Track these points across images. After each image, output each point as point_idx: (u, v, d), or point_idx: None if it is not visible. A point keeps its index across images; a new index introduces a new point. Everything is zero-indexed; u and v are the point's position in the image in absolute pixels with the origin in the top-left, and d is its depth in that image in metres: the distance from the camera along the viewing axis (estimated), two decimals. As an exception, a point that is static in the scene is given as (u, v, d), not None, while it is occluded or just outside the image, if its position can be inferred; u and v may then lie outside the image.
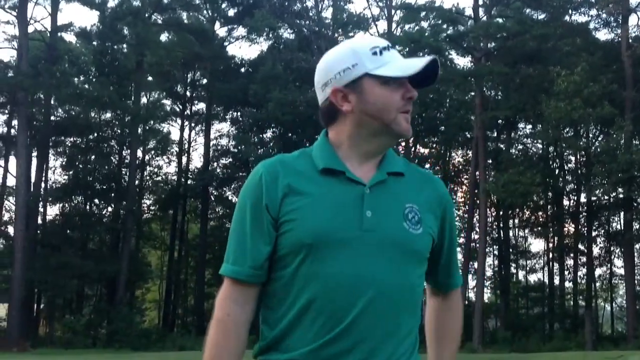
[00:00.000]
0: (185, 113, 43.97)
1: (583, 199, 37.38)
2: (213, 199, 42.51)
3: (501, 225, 43.02)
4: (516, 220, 44.72)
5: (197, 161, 56.37)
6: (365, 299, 1.64)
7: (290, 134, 38.95)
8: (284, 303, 1.69)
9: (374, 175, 1.73)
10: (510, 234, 44.15)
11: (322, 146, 1.76)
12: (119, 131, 39.52)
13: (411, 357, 1.73)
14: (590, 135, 37.48)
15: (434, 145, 44.15)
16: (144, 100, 41.83)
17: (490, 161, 38.50)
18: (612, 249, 41.70)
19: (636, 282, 38.15)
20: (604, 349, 31.54)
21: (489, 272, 44.53)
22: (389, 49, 1.73)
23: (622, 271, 39.84)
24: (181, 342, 32.07)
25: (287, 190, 1.68)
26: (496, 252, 43.53)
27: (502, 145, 40.69)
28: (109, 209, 40.47)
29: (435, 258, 1.83)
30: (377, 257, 1.66)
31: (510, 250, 43.58)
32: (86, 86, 37.33)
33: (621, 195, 34.04)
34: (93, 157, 39.22)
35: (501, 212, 41.98)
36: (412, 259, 1.71)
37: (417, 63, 1.70)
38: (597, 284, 42.60)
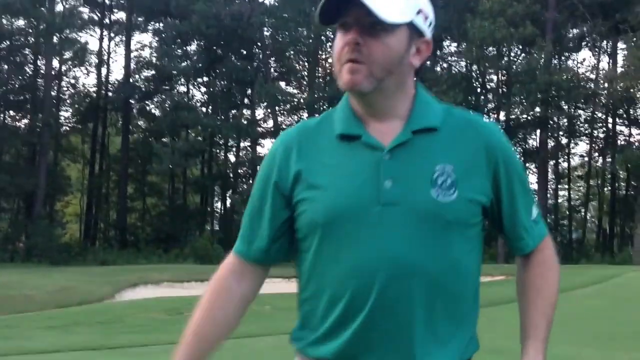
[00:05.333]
0: (104, 22, 42.16)
1: (502, 117, 38.34)
2: (135, 112, 41.56)
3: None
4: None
5: (117, 73, 54.72)
6: (385, 284, 1.44)
7: (215, 48, 38.05)
8: (308, 286, 1.55)
9: (396, 136, 1.48)
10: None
11: (343, 105, 1.55)
12: (33, 40, 37.65)
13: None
14: (512, 54, 38.11)
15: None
16: (59, 7, 39.74)
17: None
18: (527, 165, 43.32)
19: (548, 196, 40.08)
20: (514, 261, 33.19)
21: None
22: None
23: (535, 187, 41.63)
24: (103, 256, 31.99)
25: (301, 167, 1.51)
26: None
27: (427, 63, 40.95)
28: (25, 121, 39.03)
29: (496, 221, 1.58)
30: (401, 234, 1.43)
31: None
32: (-4, -10, 35.12)
33: (538, 114, 35.13)
34: (6, 66, 37.36)
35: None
36: (447, 232, 1.45)
37: None
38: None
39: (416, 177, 1.45)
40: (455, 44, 40.56)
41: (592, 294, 12.42)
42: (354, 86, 1.44)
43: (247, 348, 7.87)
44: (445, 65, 41.77)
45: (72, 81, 42.26)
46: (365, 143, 1.48)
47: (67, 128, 42.07)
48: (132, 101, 40.15)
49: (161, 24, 39.45)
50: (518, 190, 1.56)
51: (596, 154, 42.65)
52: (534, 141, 41.94)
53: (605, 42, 38.95)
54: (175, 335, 7.47)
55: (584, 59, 54.00)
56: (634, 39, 30.83)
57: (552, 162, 40.82)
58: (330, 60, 43.06)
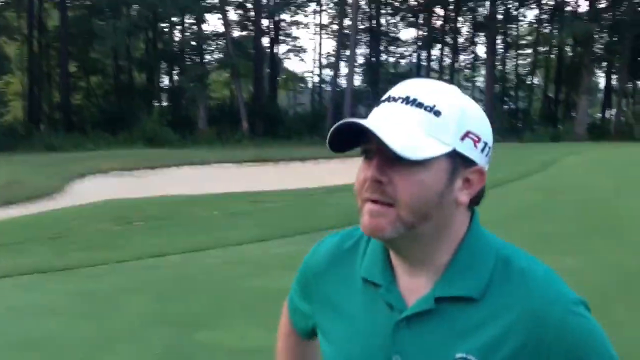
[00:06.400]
0: None
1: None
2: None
3: (373, 12, 43.20)
4: (389, 9, 44.90)
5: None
6: None
7: None
8: None
9: (421, 297, 1.16)
10: (382, 21, 44.56)
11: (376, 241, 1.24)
12: None
13: None
14: None
15: None
16: None
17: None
18: (475, 39, 43.29)
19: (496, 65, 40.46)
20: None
21: (360, 60, 45.37)
22: (387, 101, 1.14)
23: (484, 56, 41.83)
24: (48, 141, 31.47)
25: (323, 301, 1.29)
26: (368, 40, 44.06)
27: None
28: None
29: None
30: None
31: (382, 37, 44.24)
32: None
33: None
34: None
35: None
36: None
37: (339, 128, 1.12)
38: (461, 70, 44.69)
39: (430, 359, 1.15)
40: None
41: (531, 186, 12.86)
42: (374, 232, 1.13)
43: (196, 264, 8.04)
44: None
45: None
46: (384, 299, 1.19)
47: (2, 4, 39.92)
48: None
49: None
50: None
51: (545, 23, 42.73)
52: (484, 10, 41.68)
53: None
54: (124, 252, 7.65)
55: None
56: None
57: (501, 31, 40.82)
58: None
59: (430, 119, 1.09)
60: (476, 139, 1.12)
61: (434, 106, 1.10)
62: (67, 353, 4.78)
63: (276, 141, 34.42)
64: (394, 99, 1.12)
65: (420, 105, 1.10)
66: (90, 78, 41.47)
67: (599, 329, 1.10)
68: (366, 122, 1.07)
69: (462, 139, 1.11)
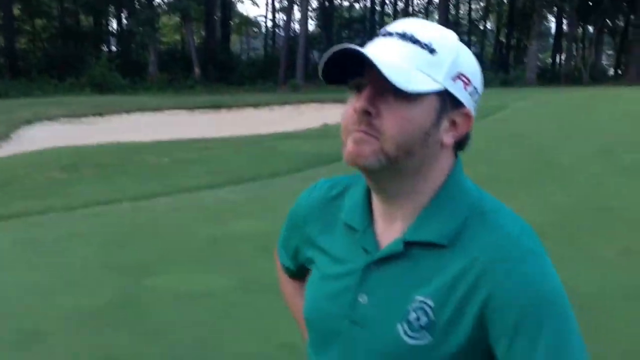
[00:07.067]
0: None
1: None
2: None
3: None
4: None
5: None
6: None
7: None
8: None
9: (391, 242, 1.18)
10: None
11: (361, 184, 1.27)
12: None
13: None
14: None
15: None
16: None
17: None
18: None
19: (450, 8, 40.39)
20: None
21: (314, 4, 44.82)
22: (383, 35, 1.13)
23: (437, 0, 41.77)
24: (-7, 88, 30.63)
25: (309, 243, 1.34)
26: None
27: None
28: None
29: None
30: None
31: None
32: None
33: None
34: None
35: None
36: None
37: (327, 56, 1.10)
38: (414, 14, 44.50)
39: (391, 300, 1.17)
40: None
41: (478, 132, 12.94)
42: (357, 159, 1.12)
43: (146, 211, 8.03)
44: None
45: None
46: (360, 242, 1.22)
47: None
48: None
49: None
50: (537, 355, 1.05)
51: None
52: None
53: None
54: (72, 200, 7.58)
55: None
56: None
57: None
58: None
59: (425, 56, 1.10)
60: (467, 81, 1.13)
61: (430, 44, 1.10)
62: (13, 301, 4.78)
63: (229, 87, 34.05)
64: (390, 34, 1.12)
65: (416, 41, 1.10)
66: (35, 21, 40.13)
67: (555, 285, 1.07)
68: (363, 49, 1.06)
69: (454, 79, 1.11)
